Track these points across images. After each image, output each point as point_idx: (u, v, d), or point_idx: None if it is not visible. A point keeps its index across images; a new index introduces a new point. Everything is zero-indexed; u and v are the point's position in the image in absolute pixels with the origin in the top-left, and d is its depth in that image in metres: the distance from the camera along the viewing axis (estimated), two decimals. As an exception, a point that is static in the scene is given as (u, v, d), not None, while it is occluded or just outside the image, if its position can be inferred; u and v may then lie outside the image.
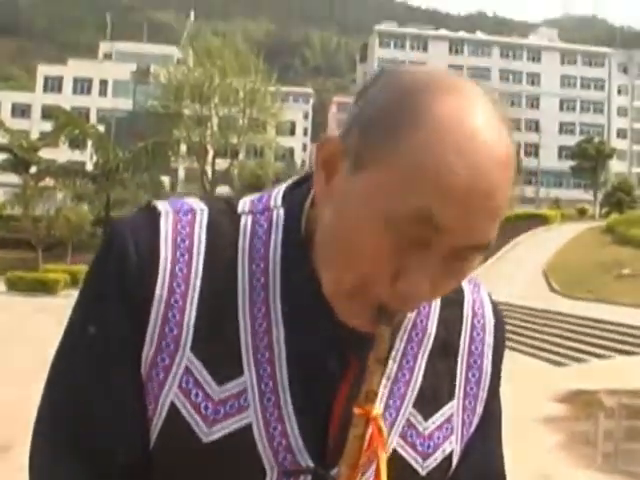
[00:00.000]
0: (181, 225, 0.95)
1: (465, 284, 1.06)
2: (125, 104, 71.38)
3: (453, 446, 1.02)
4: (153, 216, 0.95)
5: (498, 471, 1.12)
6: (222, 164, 57.92)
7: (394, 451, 0.97)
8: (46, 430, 0.95)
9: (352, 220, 0.86)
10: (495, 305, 1.10)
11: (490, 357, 1.07)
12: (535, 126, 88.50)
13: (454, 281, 0.90)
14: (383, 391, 0.96)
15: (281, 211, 0.98)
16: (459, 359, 1.04)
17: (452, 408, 1.02)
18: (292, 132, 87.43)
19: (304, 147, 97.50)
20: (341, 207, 0.88)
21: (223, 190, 59.93)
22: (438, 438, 1.01)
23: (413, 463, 0.99)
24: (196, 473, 0.93)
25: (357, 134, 0.88)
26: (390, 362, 0.97)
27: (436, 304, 1.03)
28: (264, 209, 0.98)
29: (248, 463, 0.92)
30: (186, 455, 0.92)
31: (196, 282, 0.94)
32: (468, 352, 1.05)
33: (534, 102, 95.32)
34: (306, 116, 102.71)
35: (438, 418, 1.01)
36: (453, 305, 1.05)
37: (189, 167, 60.90)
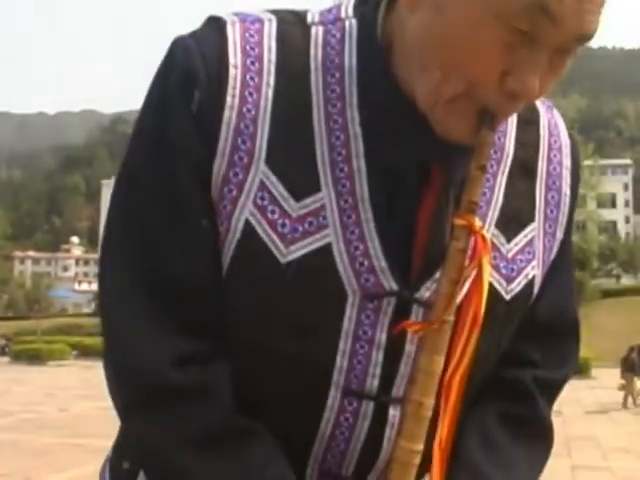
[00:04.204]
0: (249, 33, 0.88)
1: (539, 104, 1.00)
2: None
3: (535, 271, 0.96)
4: (218, 26, 0.88)
5: (571, 310, 1.07)
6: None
7: None
8: (113, 252, 0.89)
9: (459, 20, 0.79)
10: (567, 130, 1.04)
11: (568, 180, 1.00)
12: None
13: (555, 77, 0.83)
14: None
15: (353, 21, 0.91)
16: (537, 180, 0.97)
17: (533, 230, 0.96)
18: (613, 204, 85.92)
19: (627, 219, 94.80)
20: (443, 7, 0.80)
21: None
22: (521, 261, 0.95)
23: (498, 287, 0.93)
24: (272, 298, 0.85)
25: None
26: None
27: (512, 123, 0.96)
28: (335, 19, 0.91)
29: (328, 286, 0.85)
30: (262, 278, 0.85)
31: (268, 91, 0.86)
32: (547, 173, 0.98)
33: None
34: (626, 187, 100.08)
35: (521, 240, 0.95)
36: (529, 125, 0.98)
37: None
